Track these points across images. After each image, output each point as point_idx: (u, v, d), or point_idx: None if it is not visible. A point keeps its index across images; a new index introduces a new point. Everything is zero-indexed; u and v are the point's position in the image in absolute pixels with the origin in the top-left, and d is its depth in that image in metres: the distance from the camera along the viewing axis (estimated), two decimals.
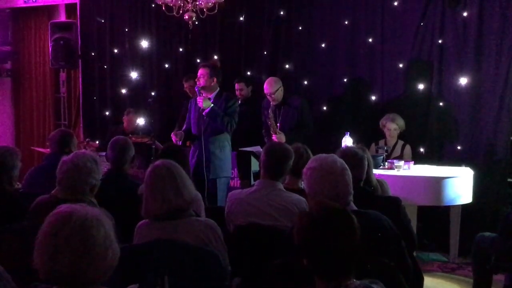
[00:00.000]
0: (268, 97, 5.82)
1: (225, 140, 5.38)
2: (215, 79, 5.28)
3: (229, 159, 5.45)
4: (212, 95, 5.33)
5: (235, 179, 6.03)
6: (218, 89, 5.38)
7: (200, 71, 5.32)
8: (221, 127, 5.25)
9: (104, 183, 3.41)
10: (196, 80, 5.43)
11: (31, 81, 8.60)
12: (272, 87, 5.74)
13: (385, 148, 5.62)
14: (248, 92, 6.44)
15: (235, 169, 5.88)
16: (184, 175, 2.85)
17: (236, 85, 6.37)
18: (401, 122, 5.77)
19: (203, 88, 5.29)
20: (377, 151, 5.61)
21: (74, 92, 8.29)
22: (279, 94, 5.78)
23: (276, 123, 5.76)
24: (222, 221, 3.34)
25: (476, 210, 5.48)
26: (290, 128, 5.74)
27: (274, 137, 5.66)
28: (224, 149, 5.37)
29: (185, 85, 6.67)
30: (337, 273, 1.87)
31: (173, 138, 5.28)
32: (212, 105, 5.21)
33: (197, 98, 5.26)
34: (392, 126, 5.75)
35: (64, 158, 3.08)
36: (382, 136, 5.88)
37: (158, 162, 2.88)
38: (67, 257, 1.66)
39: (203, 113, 5.24)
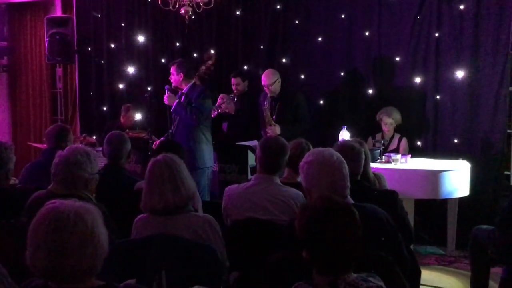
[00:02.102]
0: (265, 88, 5.82)
1: (199, 132, 5.40)
2: (181, 74, 5.37)
3: (207, 151, 5.47)
4: (186, 88, 5.42)
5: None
6: (193, 81, 5.48)
7: (171, 70, 5.48)
8: (186, 119, 5.33)
9: (101, 178, 3.40)
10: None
11: (27, 77, 8.56)
12: (269, 79, 5.75)
13: (382, 141, 5.63)
14: (245, 86, 6.43)
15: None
16: (184, 170, 2.84)
17: (232, 79, 6.35)
18: (397, 116, 5.76)
19: (175, 86, 5.46)
20: (374, 145, 5.62)
21: (70, 87, 8.25)
22: (277, 86, 5.79)
23: (272, 115, 5.76)
24: (219, 216, 3.34)
25: (473, 203, 5.49)
26: (286, 122, 5.74)
27: (268, 129, 5.67)
28: (198, 141, 5.40)
29: None
30: (337, 267, 1.87)
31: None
32: (177, 100, 5.36)
33: (164, 96, 5.43)
34: (388, 120, 5.75)
35: (59, 152, 3.07)
36: (379, 129, 5.88)
37: (159, 156, 2.87)
38: (44, 253, 1.71)
39: (171, 110, 5.41)
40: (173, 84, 5.50)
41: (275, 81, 5.76)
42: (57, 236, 1.70)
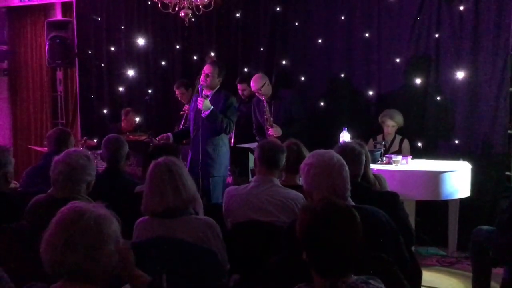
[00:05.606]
0: (256, 94, 5.83)
1: (220, 140, 5.22)
2: (220, 79, 5.20)
3: (225, 159, 5.29)
4: (211, 93, 5.21)
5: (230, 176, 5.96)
6: (218, 86, 5.26)
7: (208, 68, 5.18)
8: (219, 129, 5.12)
9: (101, 181, 3.40)
10: (201, 75, 5.31)
11: (28, 80, 8.58)
12: (257, 83, 5.76)
13: (383, 143, 5.62)
14: (251, 90, 6.44)
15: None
16: (185, 173, 2.84)
17: (238, 85, 6.34)
18: (399, 119, 5.76)
19: (207, 86, 5.17)
20: (375, 146, 5.62)
21: (71, 91, 8.28)
22: (266, 89, 5.78)
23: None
24: (220, 218, 3.34)
25: (474, 204, 5.49)
26: (283, 123, 5.72)
27: (270, 131, 5.66)
28: (218, 149, 5.21)
29: (176, 92, 6.54)
30: (338, 270, 1.87)
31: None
32: (212, 107, 5.07)
33: (198, 98, 5.12)
34: (391, 123, 5.75)
35: (56, 158, 3.05)
36: (380, 131, 5.88)
37: (160, 159, 2.87)
38: (50, 245, 1.75)
39: (202, 115, 5.11)
40: (202, 83, 5.17)
41: (263, 85, 5.75)
42: (64, 230, 1.75)
